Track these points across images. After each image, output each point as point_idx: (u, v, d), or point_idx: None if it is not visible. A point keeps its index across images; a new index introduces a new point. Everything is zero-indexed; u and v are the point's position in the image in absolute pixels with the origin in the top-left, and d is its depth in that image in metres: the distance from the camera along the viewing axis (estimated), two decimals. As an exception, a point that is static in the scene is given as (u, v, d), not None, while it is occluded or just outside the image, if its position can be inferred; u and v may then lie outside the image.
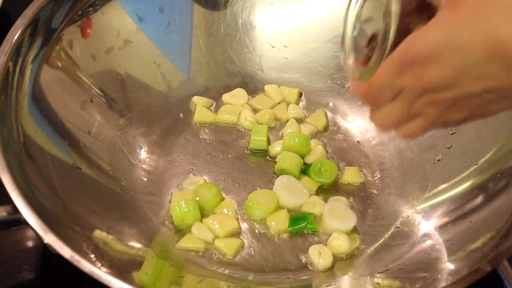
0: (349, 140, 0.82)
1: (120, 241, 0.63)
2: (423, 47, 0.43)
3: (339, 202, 0.73)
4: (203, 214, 0.71)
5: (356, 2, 0.51)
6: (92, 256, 0.55)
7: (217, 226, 0.69)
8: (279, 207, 0.73)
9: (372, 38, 0.50)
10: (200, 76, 0.86)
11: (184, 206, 0.69)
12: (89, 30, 0.76)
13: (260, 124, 0.82)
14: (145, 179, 0.75)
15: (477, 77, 0.42)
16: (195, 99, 0.84)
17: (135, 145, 0.77)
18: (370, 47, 0.50)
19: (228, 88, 0.86)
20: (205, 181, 0.75)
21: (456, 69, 0.42)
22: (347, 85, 0.84)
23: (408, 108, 0.47)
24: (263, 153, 0.79)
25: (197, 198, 0.71)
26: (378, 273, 0.64)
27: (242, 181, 0.76)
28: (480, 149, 0.71)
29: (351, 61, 0.52)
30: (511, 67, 0.40)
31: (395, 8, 0.45)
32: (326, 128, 0.83)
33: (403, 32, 0.45)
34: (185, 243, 0.68)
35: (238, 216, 0.72)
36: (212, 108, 0.84)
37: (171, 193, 0.73)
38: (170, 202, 0.73)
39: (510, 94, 0.43)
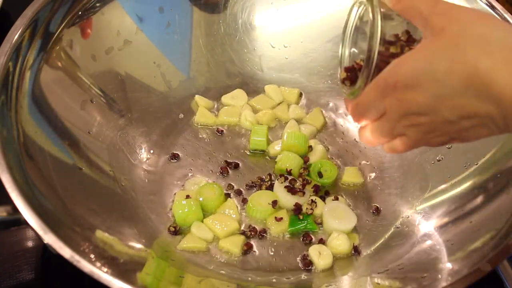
0: (349, 140, 0.82)
1: (120, 241, 0.63)
2: (404, 73, 0.46)
3: (338, 202, 0.73)
4: (206, 214, 0.71)
5: (352, 25, 0.55)
6: (92, 256, 0.55)
7: (217, 226, 0.69)
8: (279, 207, 0.73)
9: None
10: (200, 76, 0.86)
11: (186, 206, 0.69)
12: (89, 30, 0.76)
13: (260, 124, 0.82)
14: (145, 179, 0.75)
15: (453, 106, 0.45)
16: (197, 98, 0.84)
17: (135, 145, 0.77)
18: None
19: (228, 88, 0.86)
20: (207, 181, 0.75)
21: (433, 97, 0.45)
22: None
23: (392, 128, 0.50)
24: (263, 153, 0.79)
25: (201, 199, 0.71)
26: (378, 273, 0.64)
27: (242, 181, 0.76)
28: (480, 149, 0.71)
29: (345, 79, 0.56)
30: (485, 98, 0.43)
31: (377, 32, 0.49)
32: (324, 126, 0.83)
33: (392, 56, 0.48)
34: (187, 243, 0.68)
35: (239, 216, 0.72)
36: (213, 110, 0.84)
37: (175, 193, 0.74)
38: (173, 202, 0.72)
39: (488, 122, 0.45)
